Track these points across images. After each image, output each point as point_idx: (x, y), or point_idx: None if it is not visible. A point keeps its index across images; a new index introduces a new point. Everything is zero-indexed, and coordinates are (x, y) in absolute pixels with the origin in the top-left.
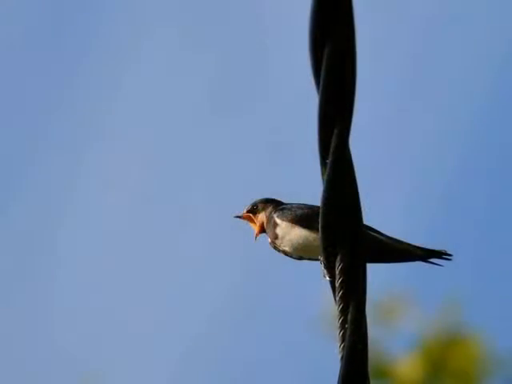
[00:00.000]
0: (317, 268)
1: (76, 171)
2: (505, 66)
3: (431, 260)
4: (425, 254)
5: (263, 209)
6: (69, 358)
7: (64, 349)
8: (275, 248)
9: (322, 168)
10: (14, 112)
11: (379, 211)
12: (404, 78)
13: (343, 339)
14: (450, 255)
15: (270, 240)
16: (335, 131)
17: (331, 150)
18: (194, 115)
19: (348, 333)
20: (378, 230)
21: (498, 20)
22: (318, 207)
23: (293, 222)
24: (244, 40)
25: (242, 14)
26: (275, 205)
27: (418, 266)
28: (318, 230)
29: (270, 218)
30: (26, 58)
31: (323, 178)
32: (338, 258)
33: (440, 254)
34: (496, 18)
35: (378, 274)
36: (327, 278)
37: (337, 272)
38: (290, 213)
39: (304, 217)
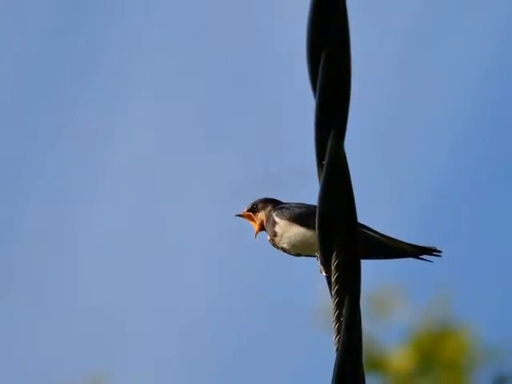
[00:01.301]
0: (314, 264)
1: (87, 167)
2: (490, 77)
3: (422, 256)
4: (416, 251)
5: (263, 208)
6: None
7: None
8: (274, 245)
9: (318, 169)
10: (25, 112)
11: (373, 210)
12: (396, 83)
13: (338, 332)
14: (439, 252)
15: (269, 237)
16: (331, 133)
17: (327, 151)
18: (195, 115)
19: (343, 326)
20: (372, 228)
21: (484, 32)
22: (315, 206)
23: (291, 221)
24: (245, 43)
25: (243, 17)
26: (274, 204)
27: (409, 261)
28: (314, 228)
29: (269, 217)
30: (37, 57)
31: (319, 179)
32: (334, 255)
33: (431, 251)
34: (481, 31)
35: (371, 269)
36: (324, 274)
37: (333, 268)
38: (288, 211)
39: (302, 215)
